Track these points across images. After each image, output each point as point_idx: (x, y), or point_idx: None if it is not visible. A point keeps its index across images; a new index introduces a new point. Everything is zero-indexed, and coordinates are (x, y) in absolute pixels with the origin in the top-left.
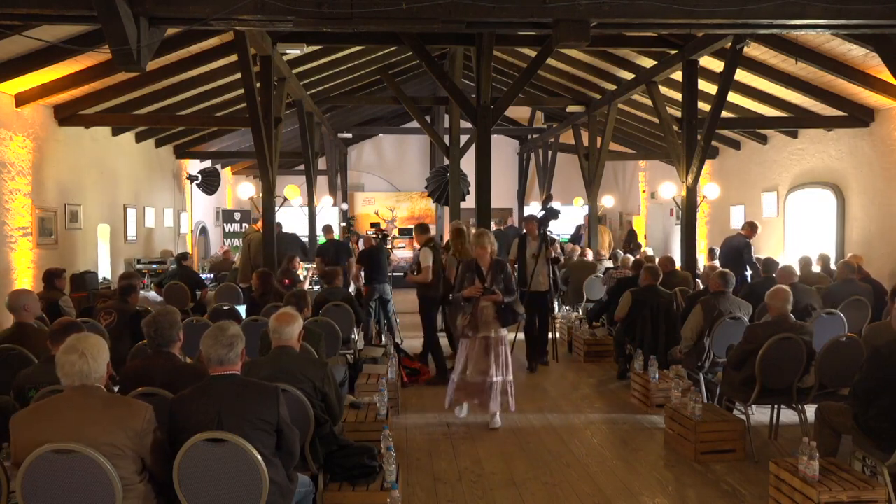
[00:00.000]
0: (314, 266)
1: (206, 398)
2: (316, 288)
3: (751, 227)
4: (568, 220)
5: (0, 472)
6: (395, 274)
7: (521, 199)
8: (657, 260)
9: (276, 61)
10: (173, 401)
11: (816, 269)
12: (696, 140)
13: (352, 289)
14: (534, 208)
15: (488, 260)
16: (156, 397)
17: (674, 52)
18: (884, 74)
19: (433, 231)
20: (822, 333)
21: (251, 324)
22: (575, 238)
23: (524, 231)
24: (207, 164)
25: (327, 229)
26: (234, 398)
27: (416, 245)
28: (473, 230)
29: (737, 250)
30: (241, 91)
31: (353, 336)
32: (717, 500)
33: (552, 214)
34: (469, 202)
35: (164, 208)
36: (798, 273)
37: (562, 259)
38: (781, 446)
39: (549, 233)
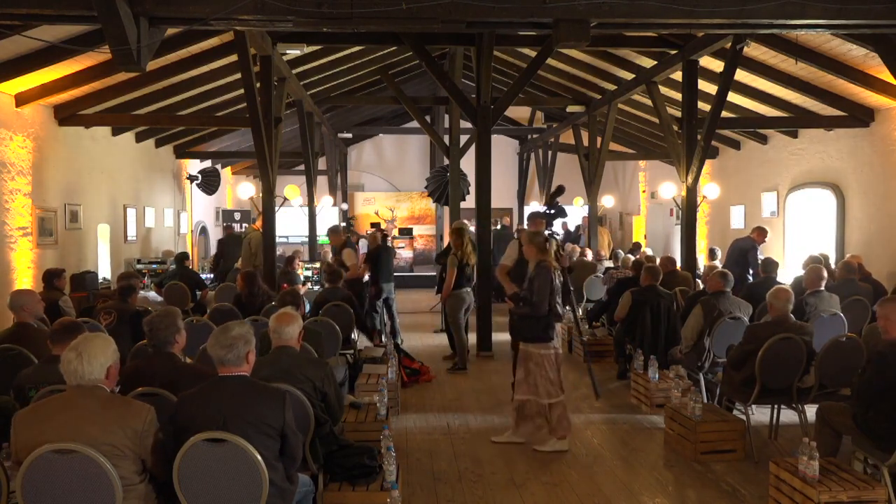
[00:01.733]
0: (316, 266)
1: (212, 399)
2: (317, 288)
3: (760, 232)
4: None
5: (0, 472)
6: (395, 274)
7: (521, 199)
8: (657, 260)
9: (276, 61)
10: (179, 399)
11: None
12: (696, 140)
13: None
14: (534, 209)
15: (533, 263)
16: (156, 397)
17: (674, 52)
18: (884, 74)
19: (433, 231)
20: (822, 333)
21: (251, 324)
22: (574, 238)
23: (514, 232)
24: (207, 164)
25: (333, 230)
26: (239, 400)
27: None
28: (473, 229)
29: (742, 251)
30: (241, 91)
31: (353, 336)
32: (717, 500)
33: (561, 212)
34: (469, 202)
35: (164, 208)
36: (825, 277)
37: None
38: (781, 446)
39: (554, 235)
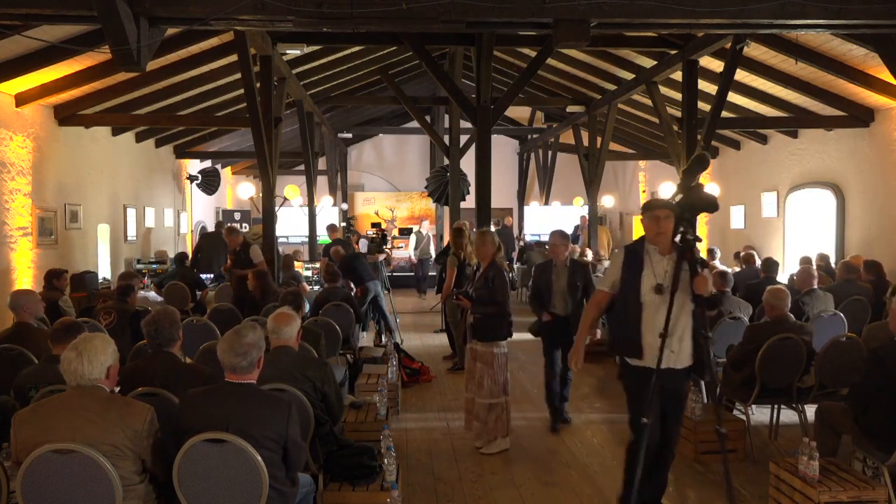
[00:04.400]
0: (316, 266)
1: (217, 407)
2: (316, 288)
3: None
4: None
5: (0, 471)
6: (395, 274)
7: (521, 199)
8: None
9: (276, 61)
10: (182, 399)
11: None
12: (696, 140)
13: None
14: (534, 209)
15: (487, 262)
16: (156, 397)
17: (674, 52)
18: (884, 74)
19: (433, 231)
20: (822, 333)
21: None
22: (573, 238)
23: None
24: (207, 164)
25: (332, 228)
26: (243, 410)
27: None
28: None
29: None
30: (241, 91)
31: (361, 335)
32: (717, 500)
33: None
34: (469, 202)
35: (164, 208)
36: (815, 276)
37: (725, 300)
38: (781, 446)
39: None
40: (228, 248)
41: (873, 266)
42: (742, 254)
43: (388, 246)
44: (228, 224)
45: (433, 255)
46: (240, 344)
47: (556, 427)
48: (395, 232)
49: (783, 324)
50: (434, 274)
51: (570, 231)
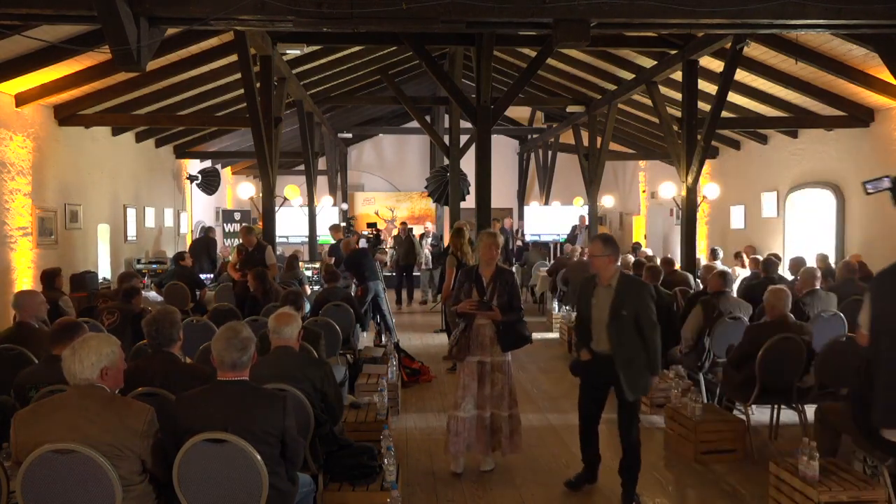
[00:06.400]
0: (316, 266)
1: (213, 406)
2: (316, 288)
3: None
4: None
5: (0, 471)
6: (392, 274)
7: (522, 199)
8: (657, 260)
9: (276, 61)
10: (177, 400)
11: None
12: (696, 140)
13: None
14: (534, 209)
15: (493, 267)
16: (156, 397)
17: (674, 52)
18: (884, 74)
19: (428, 230)
20: (822, 333)
21: (251, 323)
22: (571, 238)
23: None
24: (207, 164)
25: (335, 228)
26: (240, 408)
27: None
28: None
29: None
30: (241, 91)
31: (361, 335)
32: (717, 500)
33: None
34: (469, 202)
35: (164, 208)
36: (819, 276)
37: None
38: (781, 446)
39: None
40: (239, 246)
41: (864, 267)
42: (760, 258)
43: (386, 245)
44: (244, 224)
45: (420, 259)
46: (238, 339)
47: (578, 485)
48: (395, 231)
49: (783, 324)
50: (420, 274)
51: (567, 231)
